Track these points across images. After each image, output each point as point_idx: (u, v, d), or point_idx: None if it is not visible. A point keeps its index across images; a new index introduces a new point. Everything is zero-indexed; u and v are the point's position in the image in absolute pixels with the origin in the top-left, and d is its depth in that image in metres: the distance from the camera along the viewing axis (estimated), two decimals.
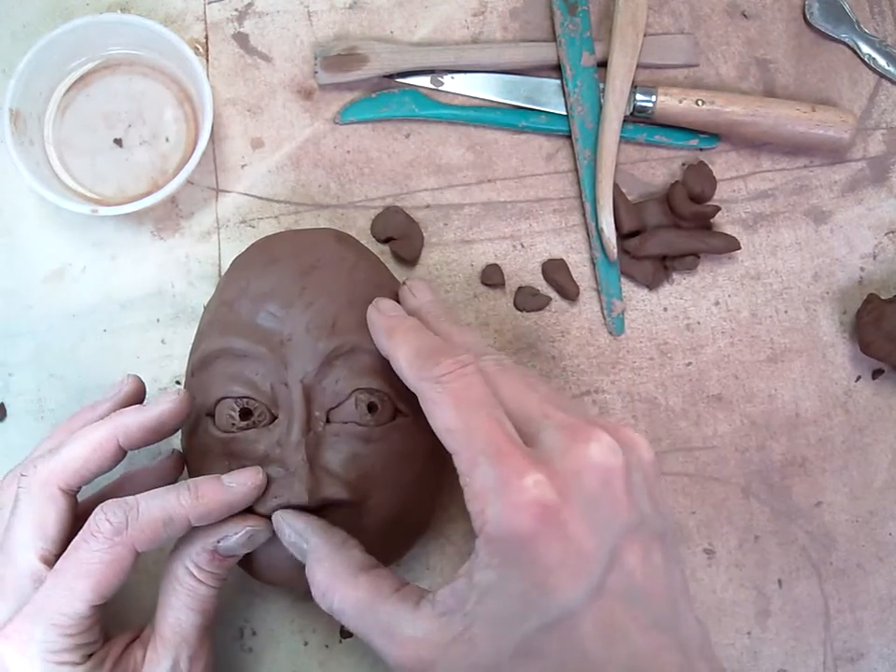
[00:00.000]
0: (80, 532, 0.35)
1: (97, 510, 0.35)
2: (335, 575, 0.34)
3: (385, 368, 0.38)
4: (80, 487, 0.37)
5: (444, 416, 0.33)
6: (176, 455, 0.42)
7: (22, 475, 0.36)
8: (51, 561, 0.35)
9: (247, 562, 0.39)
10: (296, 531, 0.36)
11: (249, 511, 0.37)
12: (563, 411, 0.34)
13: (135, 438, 0.37)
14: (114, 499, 0.35)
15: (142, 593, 0.43)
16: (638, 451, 0.34)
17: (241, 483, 0.36)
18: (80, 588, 0.34)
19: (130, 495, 0.35)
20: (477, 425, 0.33)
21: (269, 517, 0.37)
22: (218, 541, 0.36)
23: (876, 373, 0.50)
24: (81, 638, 0.35)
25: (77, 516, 0.37)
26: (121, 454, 0.37)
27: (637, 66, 0.50)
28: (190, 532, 0.36)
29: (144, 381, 0.41)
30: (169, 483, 0.37)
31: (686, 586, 0.34)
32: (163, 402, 0.37)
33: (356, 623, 0.33)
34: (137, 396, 0.40)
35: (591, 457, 0.32)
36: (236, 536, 0.36)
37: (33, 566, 0.35)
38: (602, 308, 0.49)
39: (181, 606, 0.36)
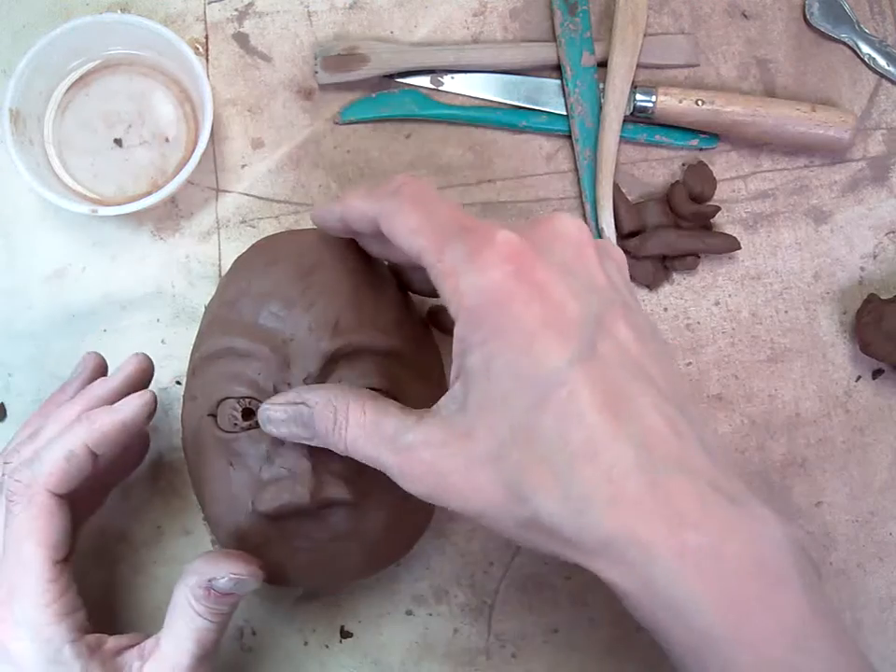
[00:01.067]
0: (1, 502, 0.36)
1: (4, 477, 0.36)
2: (344, 410, 0.34)
3: (388, 367, 0.38)
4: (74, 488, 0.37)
5: (407, 219, 0.32)
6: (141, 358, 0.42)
7: (15, 480, 0.36)
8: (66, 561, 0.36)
9: None
10: (292, 400, 0.35)
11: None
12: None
13: (109, 442, 0.37)
14: (19, 461, 0.37)
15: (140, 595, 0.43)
16: (608, 247, 0.34)
17: (128, 403, 0.37)
18: (30, 551, 0.35)
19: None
20: (440, 212, 0.32)
21: (260, 565, 0.37)
22: (210, 580, 0.35)
23: (876, 373, 0.50)
24: (54, 609, 0.35)
25: None
26: (96, 456, 0.37)
27: (637, 66, 0.50)
28: (191, 563, 0.36)
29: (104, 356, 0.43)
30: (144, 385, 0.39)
31: (685, 380, 0.33)
32: (133, 405, 0.37)
33: (366, 446, 0.33)
34: (101, 370, 0.42)
35: (558, 229, 0.32)
36: (223, 580, 0.35)
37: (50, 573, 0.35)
38: None
39: (181, 634, 0.36)
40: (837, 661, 0.29)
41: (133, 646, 0.37)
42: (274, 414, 0.35)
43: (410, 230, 0.32)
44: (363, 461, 0.33)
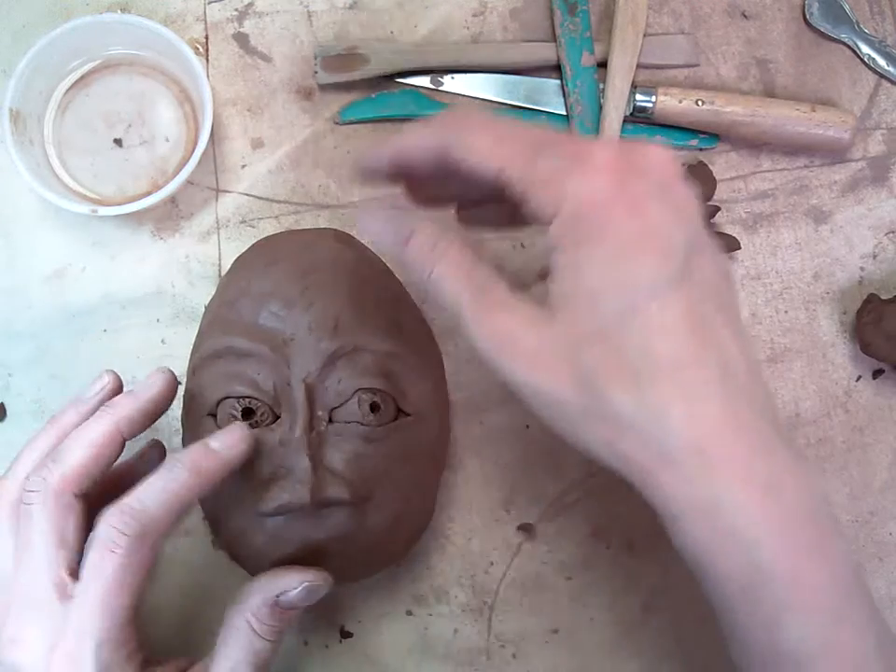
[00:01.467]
0: (94, 546, 0.34)
1: (103, 522, 0.34)
2: (446, 241, 0.33)
3: (387, 367, 0.38)
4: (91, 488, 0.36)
5: (483, 138, 0.32)
6: (158, 445, 0.42)
7: (29, 491, 0.35)
8: (76, 570, 0.34)
9: (248, 561, 0.39)
10: (394, 217, 0.35)
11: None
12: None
13: (136, 425, 0.37)
14: (116, 507, 0.34)
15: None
16: (691, 186, 0.33)
17: (228, 445, 0.36)
18: (117, 604, 0.33)
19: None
20: (515, 128, 0.32)
21: (324, 571, 0.37)
22: (278, 595, 0.35)
23: (876, 373, 0.50)
24: (128, 647, 0.34)
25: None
26: (123, 445, 0.37)
27: (637, 66, 0.50)
28: (250, 585, 0.36)
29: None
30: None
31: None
32: (155, 385, 0.37)
33: (451, 284, 0.32)
34: (119, 391, 0.40)
35: (651, 156, 0.31)
36: (295, 591, 0.35)
37: (61, 579, 0.34)
38: None
39: (237, 658, 0.35)
40: (876, 617, 0.30)
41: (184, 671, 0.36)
42: (371, 226, 0.35)
43: (489, 147, 0.32)
44: (438, 299, 0.33)
